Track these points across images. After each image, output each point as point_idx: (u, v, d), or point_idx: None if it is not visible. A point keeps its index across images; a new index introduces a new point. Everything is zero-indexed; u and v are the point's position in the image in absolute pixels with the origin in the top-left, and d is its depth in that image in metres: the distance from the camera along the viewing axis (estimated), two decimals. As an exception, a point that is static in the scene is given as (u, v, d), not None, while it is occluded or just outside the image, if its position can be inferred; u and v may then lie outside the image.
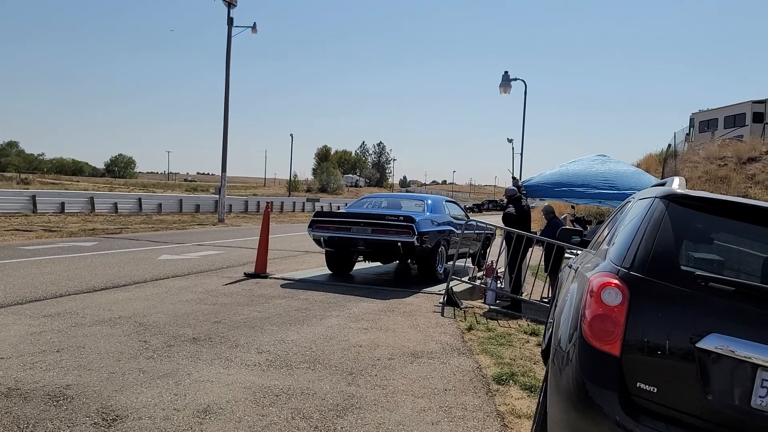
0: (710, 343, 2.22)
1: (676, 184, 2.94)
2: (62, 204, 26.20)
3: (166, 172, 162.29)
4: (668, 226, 2.56)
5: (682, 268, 2.49)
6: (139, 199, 32.01)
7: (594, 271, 2.72)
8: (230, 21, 27.47)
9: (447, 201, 12.28)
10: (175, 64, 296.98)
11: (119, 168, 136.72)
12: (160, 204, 33.02)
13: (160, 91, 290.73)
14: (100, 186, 67.01)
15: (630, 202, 3.69)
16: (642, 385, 2.30)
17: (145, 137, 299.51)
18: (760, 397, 2.17)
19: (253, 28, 27.79)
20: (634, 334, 2.34)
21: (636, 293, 2.39)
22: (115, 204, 29.45)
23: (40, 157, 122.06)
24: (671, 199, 2.66)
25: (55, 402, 3.91)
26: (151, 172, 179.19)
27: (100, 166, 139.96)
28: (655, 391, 2.28)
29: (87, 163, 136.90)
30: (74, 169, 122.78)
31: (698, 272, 2.38)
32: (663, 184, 3.24)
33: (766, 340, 2.19)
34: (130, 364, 4.82)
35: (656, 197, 2.74)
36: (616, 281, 2.43)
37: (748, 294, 2.31)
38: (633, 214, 3.03)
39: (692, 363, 2.24)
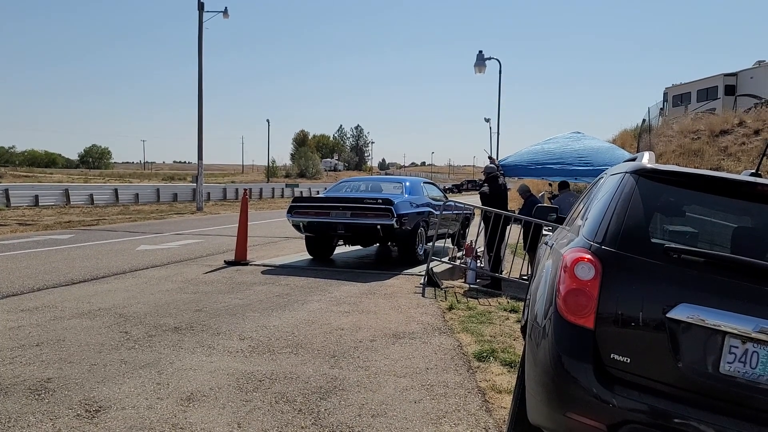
0: (681, 313, 2.28)
1: (646, 159, 2.99)
2: (36, 197, 25.78)
3: (142, 162, 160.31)
4: (638, 200, 2.61)
5: (653, 241, 2.55)
6: (116, 190, 31.61)
7: (568, 247, 2.76)
8: (201, 6, 27.03)
9: (425, 182, 12.31)
10: (149, 54, 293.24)
11: (94, 159, 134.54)
12: (137, 194, 32.66)
13: (134, 80, 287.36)
14: (74, 178, 65.93)
15: (603, 178, 3.74)
16: (616, 356, 2.36)
17: (120, 127, 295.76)
18: (728, 363, 2.24)
19: (225, 12, 27.38)
20: (607, 307, 2.39)
21: (608, 267, 2.44)
22: (91, 195, 29.04)
23: (11, 150, 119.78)
24: (641, 173, 2.71)
25: (37, 395, 3.89)
26: (127, 162, 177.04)
27: (74, 157, 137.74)
28: (629, 361, 2.34)
29: (60, 155, 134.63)
30: (47, 161, 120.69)
31: (668, 245, 2.44)
32: (634, 160, 3.29)
33: (735, 308, 2.25)
34: (111, 355, 4.80)
35: (626, 172, 2.79)
36: (589, 256, 2.48)
37: (717, 264, 2.37)
38: (605, 189, 3.07)
39: (663, 333, 2.30)
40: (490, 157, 10.98)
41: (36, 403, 3.78)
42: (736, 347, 2.24)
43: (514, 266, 9.77)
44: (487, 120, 47.10)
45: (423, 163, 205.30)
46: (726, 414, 2.21)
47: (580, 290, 2.44)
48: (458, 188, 77.06)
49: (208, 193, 37.38)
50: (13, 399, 3.83)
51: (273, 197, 47.08)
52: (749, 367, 2.22)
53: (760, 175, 3.23)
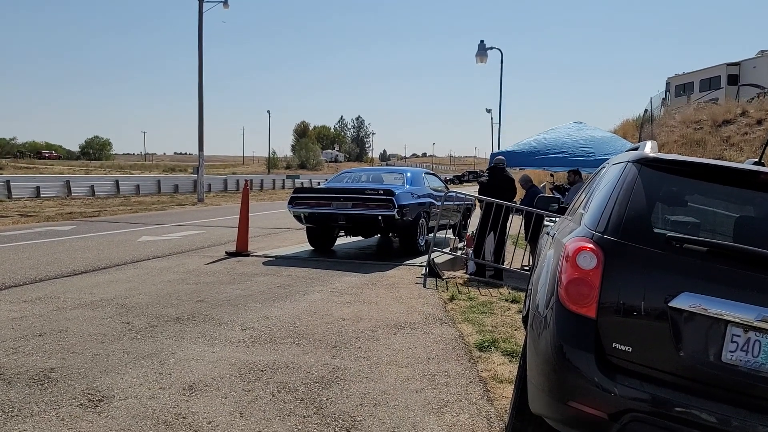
0: (683, 302, 2.27)
1: (648, 148, 2.97)
2: (37, 188, 25.78)
3: (143, 153, 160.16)
4: (641, 189, 2.60)
5: (655, 230, 2.54)
6: (117, 181, 31.60)
7: (569, 237, 2.76)
8: (201, -4, 26.93)
9: (426, 173, 12.31)
10: (149, 44, 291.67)
11: (95, 150, 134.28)
12: (138, 185, 32.65)
13: (135, 71, 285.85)
14: (75, 169, 65.83)
15: (605, 167, 3.73)
16: (617, 346, 2.35)
17: (120, 118, 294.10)
18: (730, 351, 2.24)
19: (225, 3, 27.24)
20: (609, 297, 2.39)
21: (610, 256, 2.43)
22: (92, 187, 29.04)
23: (12, 142, 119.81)
24: (643, 162, 2.70)
25: (40, 385, 3.91)
26: (128, 154, 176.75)
27: (75, 148, 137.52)
28: (630, 350, 2.34)
29: (61, 146, 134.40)
30: (48, 153, 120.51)
31: (670, 234, 2.44)
32: (636, 149, 3.27)
33: (737, 297, 2.25)
34: (113, 345, 4.82)
35: (629, 161, 2.78)
36: (591, 245, 2.47)
37: (720, 253, 2.37)
38: (607, 179, 3.06)
39: (665, 322, 2.30)
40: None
41: (39, 392, 3.80)
42: (738, 336, 2.24)
43: (515, 257, 9.75)
44: (489, 110, 47.13)
45: (424, 155, 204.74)
46: (728, 402, 2.21)
47: (581, 279, 2.43)
48: (459, 179, 76.99)
49: (209, 185, 37.37)
50: (17, 389, 3.84)
51: (274, 188, 47.07)
52: (751, 355, 2.22)
53: (762, 164, 3.22)
